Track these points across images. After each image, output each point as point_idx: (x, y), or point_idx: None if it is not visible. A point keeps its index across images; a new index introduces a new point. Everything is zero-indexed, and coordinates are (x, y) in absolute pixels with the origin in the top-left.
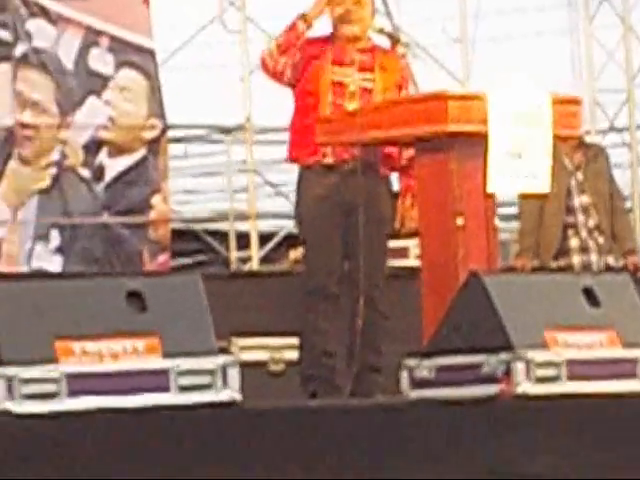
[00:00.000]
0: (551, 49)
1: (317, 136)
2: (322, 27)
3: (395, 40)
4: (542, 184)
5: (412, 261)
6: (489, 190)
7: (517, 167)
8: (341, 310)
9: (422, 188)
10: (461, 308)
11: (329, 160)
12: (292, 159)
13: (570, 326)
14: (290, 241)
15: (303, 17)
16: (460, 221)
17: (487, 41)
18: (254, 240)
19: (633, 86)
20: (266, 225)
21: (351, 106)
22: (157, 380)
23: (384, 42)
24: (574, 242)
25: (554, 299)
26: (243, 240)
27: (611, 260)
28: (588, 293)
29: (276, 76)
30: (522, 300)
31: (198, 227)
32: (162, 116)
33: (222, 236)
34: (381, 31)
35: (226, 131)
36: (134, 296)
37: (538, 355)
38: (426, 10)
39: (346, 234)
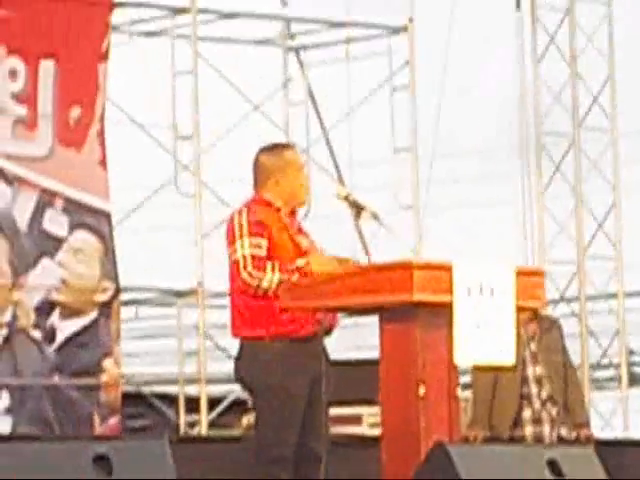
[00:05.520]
0: (503, 218)
1: (281, 301)
2: None
3: (360, 208)
4: (507, 355)
5: (365, 429)
6: (456, 361)
7: (483, 338)
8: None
9: (385, 356)
10: (426, 478)
11: (297, 335)
12: (254, 336)
13: None
14: (240, 406)
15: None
16: (422, 390)
17: (438, 209)
18: (203, 404)
19: (584, 258)
20: (214, 389)
21: None
22: None
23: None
24: (527, 413)
25: (520, 471)
26: (191, 404)
27: (564, 432)
28: (553, 465)
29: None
30: (488, 471)
31: (147, 390)
32: (115, 278)
33: (170, 399)
34: (346, 198)
35: (178, 294)
36: (101, 460)
37: None
38: (378, 176)
39: (308, 404)
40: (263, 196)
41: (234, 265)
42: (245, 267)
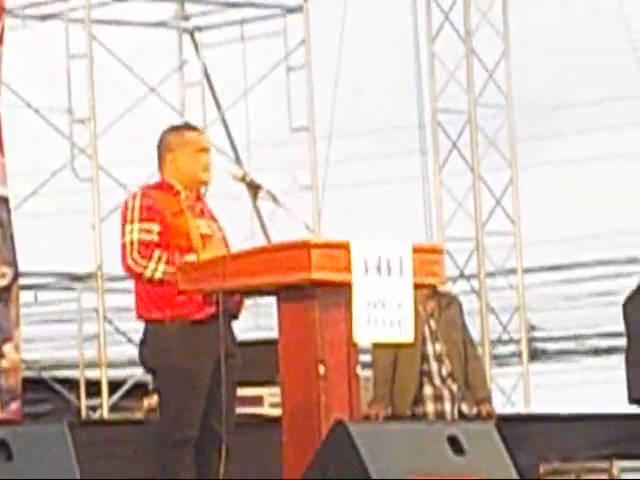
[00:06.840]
0: (401, 196)
1: (179, 284)
2: None
3: (257, 189)
4: (406, 332)
5: (266, 409)
6: (355, 339)
7: (382, 316)
8: (200, 459)
9: (284, 336)
10: (326, 457)
11: (197, 316)
12: (156, 318)
13: (435, 474)
14: (141, 389)
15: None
16: (322, 369)
17: (337, 188)
18: (104, 388)
19: (482, 234)
20: (115, 373)
21: None
22: None
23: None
24: (428, 390)
25: (420, 448)
26: (92, 388)
27: (465, 408)
28: (453, 442)
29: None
30: (389, 449)
31: (47, 375)
32: (14, 263)
33: (71, 384)
34: (243, 179)
35: (77, 278)
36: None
37: None
38: (275, 157)
39: (212, 386)
40: (165, 179)
41: (122, 249)
42: (131, 253)
